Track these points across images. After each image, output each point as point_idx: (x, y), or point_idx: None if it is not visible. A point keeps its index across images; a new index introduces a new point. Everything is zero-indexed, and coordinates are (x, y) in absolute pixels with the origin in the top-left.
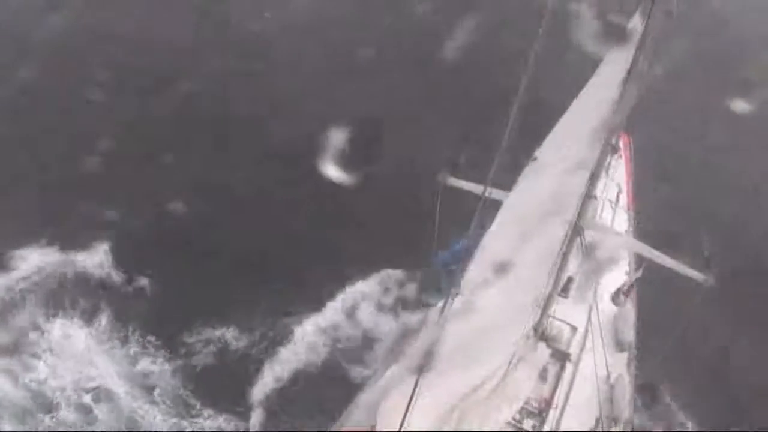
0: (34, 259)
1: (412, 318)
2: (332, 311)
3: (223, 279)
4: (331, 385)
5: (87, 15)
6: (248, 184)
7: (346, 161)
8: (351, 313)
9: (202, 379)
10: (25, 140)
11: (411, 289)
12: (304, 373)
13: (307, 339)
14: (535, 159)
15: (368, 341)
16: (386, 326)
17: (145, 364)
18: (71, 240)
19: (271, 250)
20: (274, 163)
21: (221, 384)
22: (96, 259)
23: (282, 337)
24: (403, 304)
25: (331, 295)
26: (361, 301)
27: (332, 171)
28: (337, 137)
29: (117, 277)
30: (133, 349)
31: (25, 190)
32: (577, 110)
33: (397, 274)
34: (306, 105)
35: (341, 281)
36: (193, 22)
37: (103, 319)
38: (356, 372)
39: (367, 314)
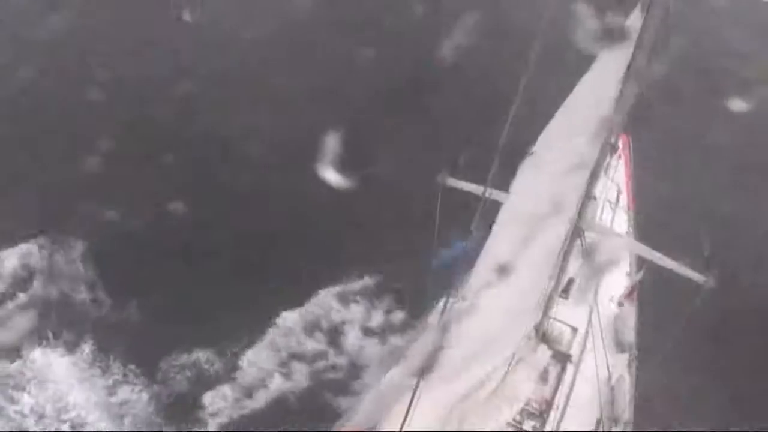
0: (30, 262)
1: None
2: (317, 339)
3: (221, 282)
4: (308, 411)
5: (87, 15)
6: (248, 184)
7: (345, 162)
8: (336, 339)
9: (180, 404)
10: (25, 140)
11: (408, 296)
12: (285, 395)
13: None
14: (533, 153)
15: (354, 370)
16: (371, 351)
17: (124, 392)
18: (69, 242)
19: (270, 251)
20: (273, 163)
21: (198, 407)
22: (88, 268)
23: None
24: (391, 328)
25: (321, 310)
26: (348, 323)
27: (331, 172)
28: (337, 137)
29: (106, 293)
30: (114, 377)
31: (25, 190)
32: (574, 105)
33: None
34: (305, 105)
35: (336, 289)
36: (193, 22)
37: (87, 347)
38: (338, 406)
39: (353, 338)
